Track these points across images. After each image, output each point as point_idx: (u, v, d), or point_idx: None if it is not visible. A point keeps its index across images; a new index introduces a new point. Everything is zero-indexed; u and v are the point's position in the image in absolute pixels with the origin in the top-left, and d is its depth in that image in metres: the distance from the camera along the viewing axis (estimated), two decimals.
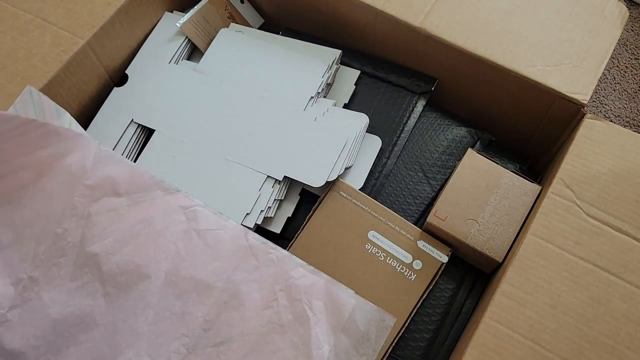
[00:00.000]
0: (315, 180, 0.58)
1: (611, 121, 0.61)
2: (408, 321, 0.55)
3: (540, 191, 0.57)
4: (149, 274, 0.49)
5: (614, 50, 1.10)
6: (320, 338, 0.47)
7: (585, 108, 0.58)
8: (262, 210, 0.58)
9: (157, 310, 0.48)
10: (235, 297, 0.49)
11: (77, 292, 0.49)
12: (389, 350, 0.54)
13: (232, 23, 0.73)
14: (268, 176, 0.59)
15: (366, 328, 0.48)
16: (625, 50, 1.14)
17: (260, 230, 0.60)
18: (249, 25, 0.76)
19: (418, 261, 0.57)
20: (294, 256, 0.52)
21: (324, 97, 0.67)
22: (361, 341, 0.48)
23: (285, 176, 0.59)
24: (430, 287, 0.56)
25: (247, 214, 0.57)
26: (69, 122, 0.53)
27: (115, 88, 0.66)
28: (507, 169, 0.59)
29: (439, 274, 0.56)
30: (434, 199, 0.62)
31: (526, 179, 0.58)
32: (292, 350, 0.47)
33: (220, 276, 0.50)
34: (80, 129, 0.54)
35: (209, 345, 0.48)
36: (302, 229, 0.58)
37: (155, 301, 0.49)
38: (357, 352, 0.48)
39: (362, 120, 0.63)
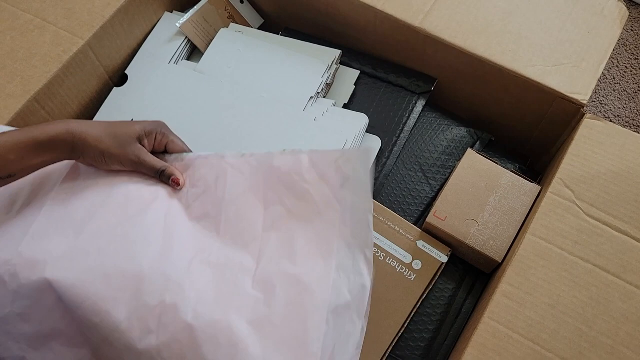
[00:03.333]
0: None
1: (611, 121, 0.61)
2: (408, 321, 0.55)
3: (540, 191, 0.57)
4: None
5: (614, 50, 1.10)
6: (327, 202, 0.47)
7: (585, 108, 0.58)
8: None
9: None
10: (239, 209, 0.50)
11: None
12: (389, 350, 0.54)
13: (231, 23, 0.73)
14: None
15: (355, 169, 0.47)
16: (625, 50, 1.14)
17: None
18: (249, 26, 0.76)
19: (418, 261, 0.57)
20: (269, 152, 0.51)
21: (324, 97, 0.67)
22: (357, 182, 0.47)
23: None
24: (430, 287, 0.56)
25: None
26: None
27: (115, 88, 0.66)
28: (507, 169, 0.59)
29: (439, 274, 0.56)
30: (433, 199, 0.62)
31: (526, 179, 0.58)
32: (308, 227, 0.47)
33: (217, 206, 0.50)
34: None
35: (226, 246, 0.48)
36: None
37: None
38: (355, 194, 0.47)
39: (361, 120, 0.63)
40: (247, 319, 0.43)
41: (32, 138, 0.46)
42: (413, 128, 0.66)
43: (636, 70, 1.12)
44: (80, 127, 0.47)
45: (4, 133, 0.46)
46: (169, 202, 0.51)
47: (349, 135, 0.60)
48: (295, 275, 0.45)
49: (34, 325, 0.46)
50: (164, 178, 0.51)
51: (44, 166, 0.48)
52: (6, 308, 0.45)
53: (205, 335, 0.42)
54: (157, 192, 0.51)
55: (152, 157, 0.51)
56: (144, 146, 0.50)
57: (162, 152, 0.53)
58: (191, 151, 0.54)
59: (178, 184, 0.51)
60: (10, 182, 0.47)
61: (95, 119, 0.64)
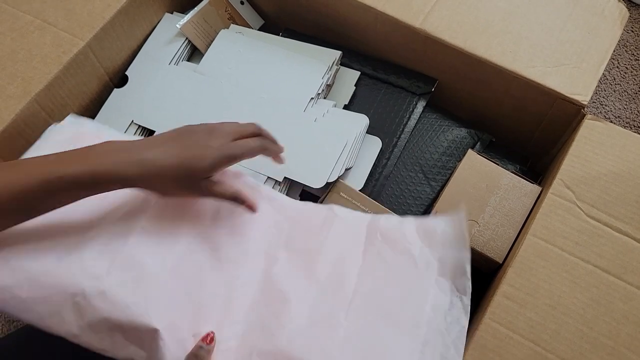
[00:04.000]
0: (315, 181, 0.58)
1: (611, 122, 0.61)
2: None
3: (541, 192, 0.57)
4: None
5: (614, 51, 1.10)
6: (426, 260, 0.51)
7: (585, 109, 0.58)
8: None
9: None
10: (336, 259, 0.52)
11: None
12: None
13: (232, 24, 0.73)
14: (268, 177, 0.59)
15: (454, 232, 0.52)
16: (626, 51, 1.14)
17: None
18: (249, 26, 0.76)
19: None
20: (377, 214, 0.56)
21: (324, 98, 0.67)
22: (453, 244, 0.52)
23: (285, 177, 0.59)
24: None
25: None
26: None
27: (115, 89, 0.66)
28: (507, 169, 0.59)
29: None
30: (434, 200, 0.62)
31: (526, 180, 0.58)
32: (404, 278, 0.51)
33: (316, 245, 0.53)
34: None
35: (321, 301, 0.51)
36: None
37: None
38: (455, 254, 0.51)
39: (362, 121, 0.63)
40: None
41: (91, 175, 0.43)
42: (413, 129, 0.66)
43: (636, 71, 1.12)
44: (145, 168, 0.44)
45: (52, 165, 0.43)
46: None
47: (349, 136, 0.60)
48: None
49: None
50: (236, 203, 0.50)
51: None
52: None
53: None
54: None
55: (220, 187, 0.48)
56: (213, 176, 0.48)
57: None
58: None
59: (254, 210, 0.51)
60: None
61: (95, 119, 0.64)
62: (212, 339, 0.46)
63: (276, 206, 0.55)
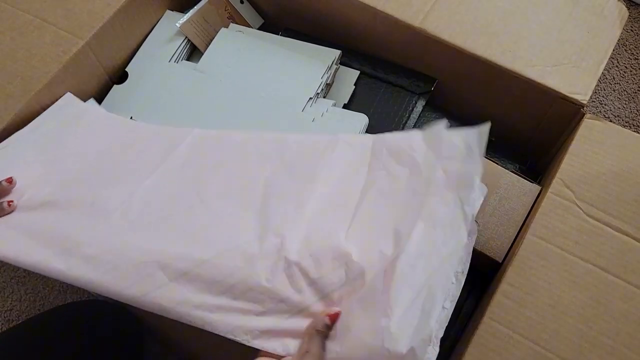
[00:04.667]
0: None
1: (611, 121, 0.61)
2: None
3: (540, 191, 0.57)
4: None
5: (614, 50, 1.10)
6: (432, 170, 0.48)
7: (584, 108, 0.58)
8: None
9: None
10: (343, 174, 0.51)
11: None
12: None
13: (231, 23, 0.73)
14: None
15: (467, 146, 0.48)
16: (625, 50, 1.14)
17: None
18: (249, 26, 0.76)
19: None
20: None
21: (324, 97, 0.67)
22: (466, 158, 0.48)
23: None
24: None
25: None
26: None
27: (115, 85, 0.66)
28: (507, 169, 0.59)
29: None
30: None
31: (526, 179, 0.58)
32: (410, 189, 0.49)
33: (322, 165, 0.52)
34: None
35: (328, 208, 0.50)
36: None
37: None
38: (466, 168, 0.48)
39: (361, 120, 0.63)
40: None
41: None
42: (413, 128, 0.66)
43: (636, 71, 1.12)
44: None
45: None
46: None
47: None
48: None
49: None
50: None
51: None
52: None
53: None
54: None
55: None
56: None
57: None
58: None
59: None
60: None
61: None
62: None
63: (280, 139, 0.55)
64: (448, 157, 0.48)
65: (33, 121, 0.58)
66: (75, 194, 0.53)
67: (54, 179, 0.54)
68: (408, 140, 0.51)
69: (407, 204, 0.47)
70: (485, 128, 0.48)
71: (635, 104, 1.08)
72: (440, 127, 0.49)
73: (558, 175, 0.54)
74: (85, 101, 0.63)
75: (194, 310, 0.45)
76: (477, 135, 0.48)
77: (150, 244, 0.48)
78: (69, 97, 0.61)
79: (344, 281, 0.45)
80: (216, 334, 0.44)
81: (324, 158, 0.52)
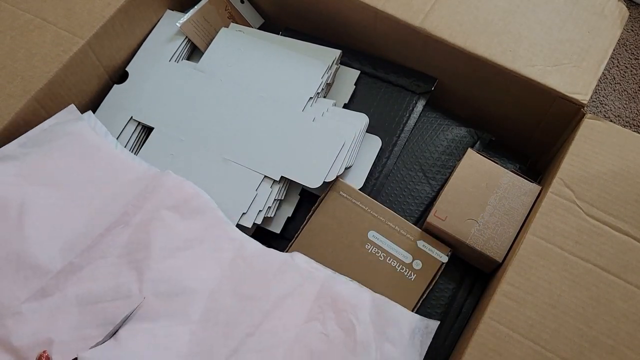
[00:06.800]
0: (312, 181, 0.58)
1: (611, 121, 0.61)
2: None
3: (540, 191, 0.57)
4: (195, 288, 0.51)
5: (614, 50, 1.10)
6: (366, 346, 0.48)
7: (585, 108, 0.58)
8: (260, 210, 0.58)
9: (201, 319, 0.49)
10: (279, 308, 0.50)
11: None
12: None
13: (232, 23, 0.73)
14: (265, 176, 0.59)
15: (411, 335, 0.49)
16: (625, 50, 1.14)
17: (260, 230, 0.60)
18: (249, 25, 0.76)
19: (418, 261, 0.57)
20: (337, 274, 0.53)
21: (324, 97, 0.67)
22: (407, 348, 0.49)
23: (282, 177, 0.59)
24: (430, 287, 0.56)
25: (244, 213, 0.57)
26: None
27: (115, 85, 0.66)
28: (507, 168, 0.59)
29: (439, 274, 0.56)
30: (433, 199, 0.62)
31: (526, 179, 0.58)
32: (338, 358, 0.48)
33: (264, 291, 0.51)
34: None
35: (252, 350, 0.48)
36: (302, 229, 0.58)
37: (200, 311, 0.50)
38: (404, 358, 0.48)
39: (362, 120, 0.63)
40: None
41: None
42: (413, 128, 0.66)
43: (636, 70, 1.12)
44: None
45: None
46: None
47: (349, 135, 0.60)
48: None
49: None
50: None
51: None
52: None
53: None
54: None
55: None
56: None
57: None
58: None
59: None
60: None
61: (95, 115, 0.64)
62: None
63: (237, 246, 0.54)
64: (388, 340, 0.48)
65: (21, 137, 0.57)
66: None
67: None
68: (355, 300, 0.50)
69: None
70: (433, 325, 0.49)
71: (635, 104, 1.08)
72: (392, 303, 0.50)
73: (558, 175, 0.54)
74: (85, 100, 0.63)
75: None
76: (424, 327, 0.49)
77: None
78: (71, 108, 0.60)
79: None
80: None
81: (272, 282, 0.51)
